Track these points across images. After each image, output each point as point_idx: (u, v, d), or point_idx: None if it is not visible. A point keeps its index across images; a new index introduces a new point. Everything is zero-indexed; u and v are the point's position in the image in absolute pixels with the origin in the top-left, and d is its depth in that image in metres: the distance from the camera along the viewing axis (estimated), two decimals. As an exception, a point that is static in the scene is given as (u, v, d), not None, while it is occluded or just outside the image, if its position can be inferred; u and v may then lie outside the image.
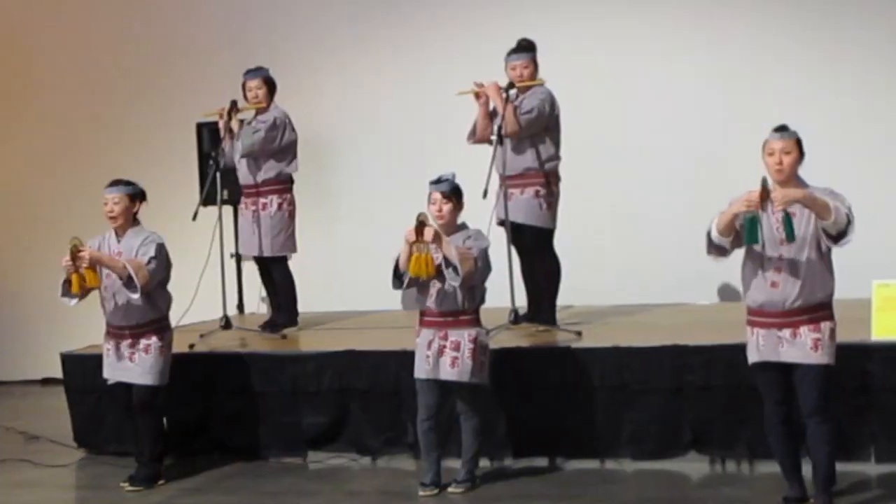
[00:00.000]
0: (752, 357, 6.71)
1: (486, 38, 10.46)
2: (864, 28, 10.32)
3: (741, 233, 6.49)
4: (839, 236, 6.39)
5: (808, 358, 6.51)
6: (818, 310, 6.54)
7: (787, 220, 6.38)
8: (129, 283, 7.94)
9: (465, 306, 7.55)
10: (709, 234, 6.62)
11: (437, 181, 7.59)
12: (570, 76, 9.70)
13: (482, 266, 7.49)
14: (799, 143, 6.57)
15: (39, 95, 12.67)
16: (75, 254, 7.88)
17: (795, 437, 6.77)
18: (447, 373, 7.55)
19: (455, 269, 7.34)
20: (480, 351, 7.60)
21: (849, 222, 6.36)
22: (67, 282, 7.97)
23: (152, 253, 8.03)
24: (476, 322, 7.63)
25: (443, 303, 7.54)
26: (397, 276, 7.56)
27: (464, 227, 7.63)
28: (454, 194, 7.57)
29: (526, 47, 8.97)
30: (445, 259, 7.37)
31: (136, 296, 7.96)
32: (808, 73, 10.36)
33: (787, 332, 6.54)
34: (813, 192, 6.40)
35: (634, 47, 10.80)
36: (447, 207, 7.53)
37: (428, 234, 7.33)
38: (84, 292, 8.06)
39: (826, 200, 6.31)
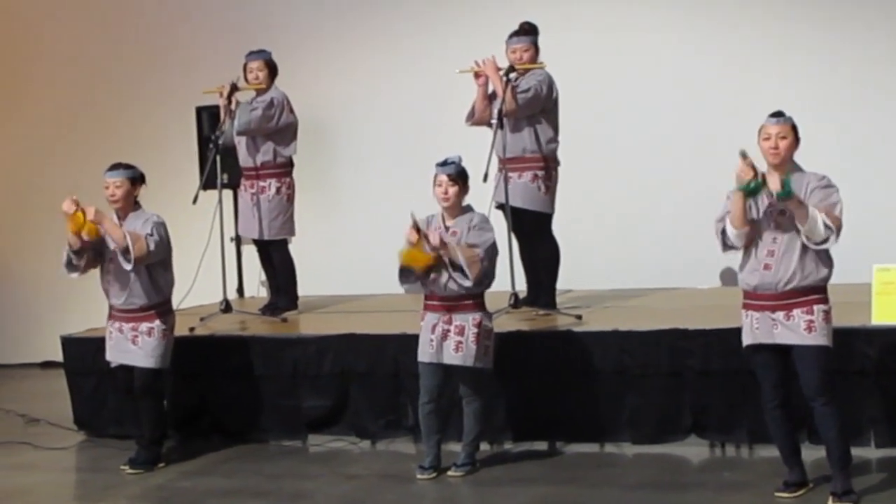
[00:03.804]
0: (747, 339, 6.74)
1: (488, 21, 10.42)
2: (870, 13, 10.27)
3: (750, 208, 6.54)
4: (815, 242, 6.44)
5: (802, 339, 6.53)
6: (811, 293, 6.54)
7: (786, 182, 6.42)
8: (125, 251, 7.97)
9: (469, 290, 7.53)
10: (723, 234, 6.65)
11: (444, 163, 7.61)
12: (571, 61, 9.69)
13: (489, 264, 7.51)
14: (794, 128, 6.61)
15: (39, 79, 12.65)
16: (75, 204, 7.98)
17: (793, 421, 6.79)
18: (451, 357, 7.55)
19: (464, 272, 7.37)
20: (485, 335, 7.61)
21: (827, 238, 6.41)
22: (73, 250, 8.04)
23: (149, 230, 8.05)
24: (481, 306, 7.63)
25: (447, 287, 7.55)
26: (403, 272, 7.57)
27: (469, 209, 7.65)
28: (460, 177, 7.58)
29: (527, 31, 8.95)
30: (452, 262, 7.40)
31: (129, 266, 7.99)
32: (812, 59, 10.31)
33: (780, 315, 6.56)
34: (803, 190, 6.44)
35: (635, 33, 10.76)
36: (453, 190, 7.54)
37: (434, 238, 7.35)
38: (87, 263, 8.15)
39: (807, 212, 6.36)
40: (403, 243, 7.48)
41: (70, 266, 8.19)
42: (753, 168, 6.41)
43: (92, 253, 8.17)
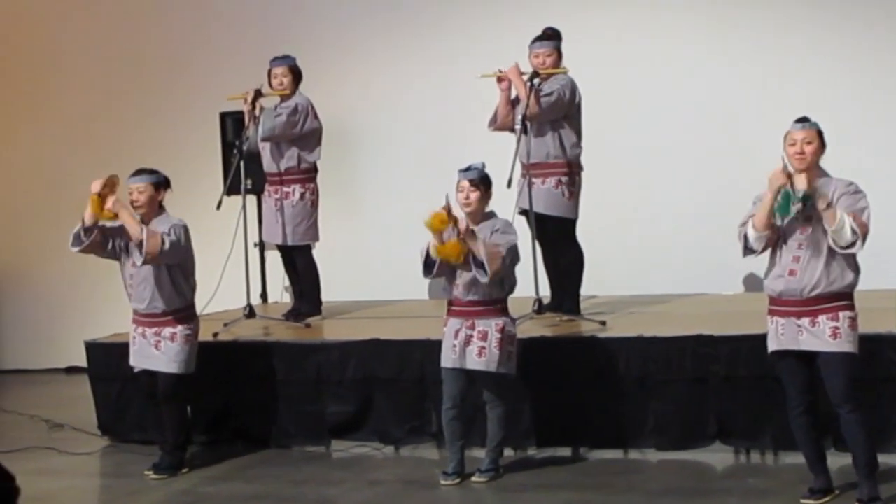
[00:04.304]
0: (772, 345, 6.71)
1: (511, 25, 10.44)
2: (872, 12, 10.23)
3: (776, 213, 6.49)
4: (841, 246, 6.41)
5: (827, 346, 6.50)
6: (837, 299, 6.52)
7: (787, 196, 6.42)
8: (140, 245, 7.98)
9: (492, 296, 7.54)
10: (745, 237, 6.62)
11: (467, 169, 7.60)
12: (594, 65, 9.68)
13: (510, 262, 7.49)
14: (820, 133, 6.58)
15: (62, 85, 12.69)
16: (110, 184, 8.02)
17: (819, 427, 6.75)
18: (474, 362, 7.54)
19: (483, 267, 7.34)
20: (508, 341, 7.59)
21: (853, 242, 6.37)
22: (84, 226, 8.06)
23: (166, 229, 8.05)
24: (504, 312, 7.62)
25: (470, 292, 7.54)
26: (427, 265, 7.55)
27: (491, 215, 7.64)
28: (482, 183, 7.57)
29: (550, 36, 8.95)
30: (474, 255, 7.36)
31: (139, 262, 8.00)
32: (837, 63, 10.28)
33: (805, 321, 6.53)
34: (830, 195, 6.40)
35: (659, 37, 10.74)
36: (475, 196, 7.53)
37: (462, 226, 7.34)
38: (92, 244, 8.12)
39: (836, 214, 6.32)
40: (427, 216, 7.40)
41: (76, 239, 8.16)
42: (788, 174, 6.39)
43: (100, 237, 8.15)
